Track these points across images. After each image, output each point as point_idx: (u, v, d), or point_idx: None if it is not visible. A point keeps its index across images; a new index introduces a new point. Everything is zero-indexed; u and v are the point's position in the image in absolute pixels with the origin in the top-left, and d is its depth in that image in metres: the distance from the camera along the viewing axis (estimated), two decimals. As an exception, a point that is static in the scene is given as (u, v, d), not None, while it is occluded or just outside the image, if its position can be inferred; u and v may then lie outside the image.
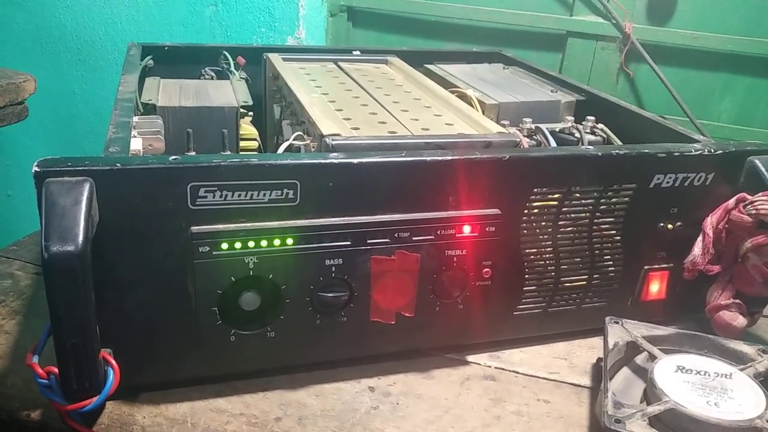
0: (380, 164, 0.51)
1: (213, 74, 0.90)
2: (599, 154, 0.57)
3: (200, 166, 0.46)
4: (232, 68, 0.89)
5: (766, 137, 1.09)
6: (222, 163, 0.47)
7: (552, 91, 0.84)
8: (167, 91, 0.76)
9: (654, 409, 0.49)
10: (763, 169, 0.61)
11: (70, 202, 0.42)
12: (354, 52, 0.96)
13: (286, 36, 1.15)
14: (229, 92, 0.78)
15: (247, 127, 0.74)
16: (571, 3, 1.10)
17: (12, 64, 1.27)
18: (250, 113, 0.77)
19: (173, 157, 0.47)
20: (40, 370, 0.46)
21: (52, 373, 0.45)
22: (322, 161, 0.50)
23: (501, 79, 0.90)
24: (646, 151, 0.58)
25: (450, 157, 0.53)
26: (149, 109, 0.70)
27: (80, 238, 0.41)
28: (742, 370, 0.53)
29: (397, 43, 1.19)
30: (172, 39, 1.20)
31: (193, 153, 0.68)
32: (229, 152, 0.70)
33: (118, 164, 0.45)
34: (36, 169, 0.43)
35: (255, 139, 0.75)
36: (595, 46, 1.10)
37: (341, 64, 0.90)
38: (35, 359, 0.47)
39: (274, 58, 0.87)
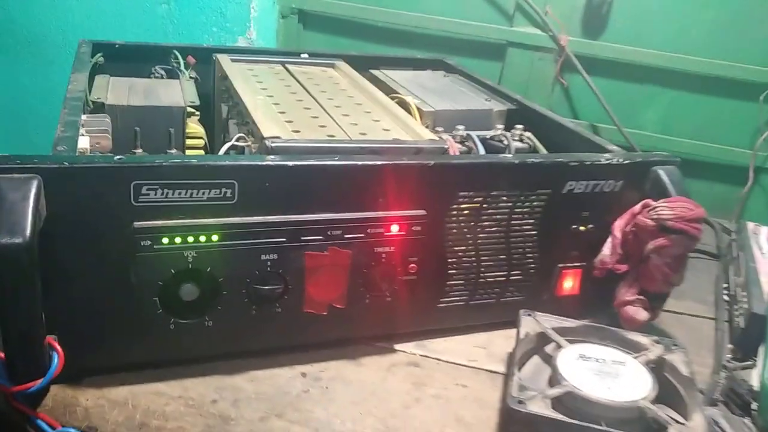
0: (315, 167, 0.55)
1: (163, 73, 0.92)
2: (516, 162, 0.62)
3: (143, 166, 0.50)
4: (182, 67, 0.92)
5: (687, 146, 1.17)
6: (164, 164, 0.50)
7: (486, 100, 0.89)
8: (116, 90, 0.78)
9: (553, 391, 0.54)
10: (665, 179, 0.67)
11: (18, 197, 0.45)
12: (302, 55, 0.99)
13: (237, 36, 1.18)
14: (177, 92, 0.81)
15: (194, 126, 0.77)
16: (511, 14, 1.16)
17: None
18: (198, 113, 0.80)
19: (118, 156, 0.50)
20: (-13, 355, 0.49)
21: (-2, 357, 0.48)
22: (259, 163, 0.54)
23: (440, 87, 0.95)
24: (560, 160, 0.64)
25: (380, 162, 0.57)
26: (98, 107, 0.72)
27: (27, 231, 0.44)
28: (635, 357, 0.60)
29: (346, 47, 1.23)
30: (125, 35, 1.21)
31: (140, 150, 0.71)
32: (175, 150, 0.73)
33: (65, 162, 0.48)
34: (-15, 166, 0.46)
35: (201, 138, 0.78)
36: (532, 57, 1.16)
37: (289, 66, 0.94)
38: (-19, 343, 0.50)
39: (223, 58, 0.90)
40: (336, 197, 0.57)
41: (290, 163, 0.54)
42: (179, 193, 0.51)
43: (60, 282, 0.50)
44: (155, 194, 0.50)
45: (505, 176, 0.62)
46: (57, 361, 0.49)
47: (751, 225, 0.93)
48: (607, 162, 0.66)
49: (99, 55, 0.90)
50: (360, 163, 0.57)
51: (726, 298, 0.82)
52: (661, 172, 0.67)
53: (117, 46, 0.92)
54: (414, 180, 0.59)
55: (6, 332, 0.46)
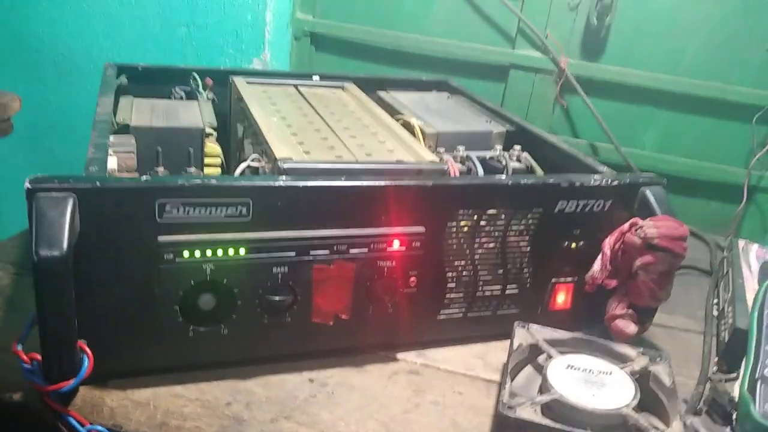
0: (323, 187, 0.60)
1: (183, 93, 0.97)
2: (510, 183, 0.67)
3: (167, 186, 0.55)
4: (201, 89, 0.97)
5: (685, 165, 1.21)
6: (186, 184, 0.55)
7: (487, 121, 0.94)
8: (140, 111, 0.84)
9: (542, 398, 0.58)
10: (651, 199, 0.71)
11: (56, 214, 0.50)
12: (314, 77, 1.05)
13: (253, 58, 1.24)
14: (196, 113, 0.86)
15: (211, 146, 0.82)
16: (513, 38, 1.21)
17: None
18: (215, 132, 0.85)
19: (144, 177, 0.55)
20: (25, 357, 0.53)
21: (35, 359, 0.53)
22: (272, 184, 0.59)
23: (444, 108, 1.00)
24: (551, 181, 0.68)
25: (383, 183, 0.62)
26: (123, 127, 0.77)
27: (64, 244, 0.49)
28: (622, 368, 0.63)
29: (356, 68, 1.28)
30: (146, 55, 1.28)
31: (162, 168, 0.76)
32: (194, 168, 0.78)
33: (97, 182, 0.53)
34: (27, 185, 0.51)
35: (218, 156, 0.83)
36: (534, 78, 1.21)
37: (301, 88, 0.99)
38: (20, 347, 0.55)
39: (239, 81, 0.96)
40: (342, 215, 0.61)
41: (301, 184, 0.59)
42: (199, 211, 0.56)
43: (90, 291, 0.55)
44: (178, 212, 0.55)
45: (499, 196, 0.67)
46: (87, 363, 0.54)
47: (741, 242, 0.96)
48: (597, 183, 0.70)
49: (123, 76, 0.95)
50: (365, 184, 0.61)
51: (715, 313, 0.86)
52: (648, 193, 0.72)
53: (140, 68, 0.97)
54: (414, 199, 0.63)
55: (43, 335, 0.51)
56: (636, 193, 0.72)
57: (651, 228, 0.68)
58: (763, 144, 1.16)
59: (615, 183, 0.71)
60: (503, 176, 0.69)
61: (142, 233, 0.55)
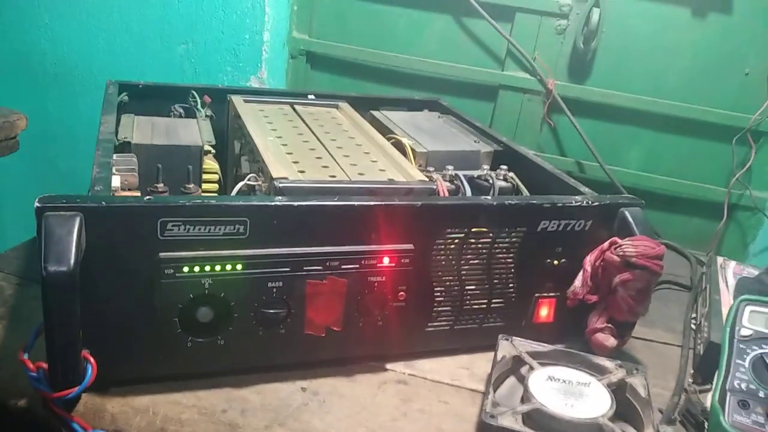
0: (316, 207, 0.63)
1: (182, 111, 1.00)
2: (494, 203, 0.70)
3: (168, 206, 0.58)
4: (199, 106, 1.01)
5: (667, 183, 1.25)
6: (186, 204, 0.58)
7: (475, 141, 0.98)
8: (141, 129, 0.87)
9: (522, 408, 0.62)
10: (630, 219, 0.75)
11: (64, 232, 0.53)
12: (309, 96, 1.08)
13: (250, 75, 1.27)
14: (195, 131, 0.89)
15: (209, 163, 0.86)
16: (502, 59, 1.25)
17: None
18: (213, 149, 0.88)
19: (147, 197, 0.58)
20: (31, 365, 0.56)
21: (41, 367, 0.56)
22: (268, 203, 0.62)
23: (434, 128, 1.03)
24: (534, 202, 0.72)
25: (373, 203, 0.65)
26: (125, 145, 0.81)
27: (72, 260, 0.52)
28: (599, 380, 0.67)
29: (350, 85, 1.32)
30: (145, 72, 1.31)
31: (162, 185, 0.79)
32: (192, 185, 0.82)
33: (102, 202, 0.56)
34: (37, 204, 0.54)
35: (216, 173, 0.87)
36: (522, 98, 1.25)
37: (297, 107, 1.03)
38: (26, 356, 0.57)
39: (237, 99, 0.99)
40: (334, 233, 0.64)
41: (295, 204, 0.62)
42: (199, 229, 0.59)
43: (95, 303, 0.58)
44: (179, 230, 0.58)
45: (484, 216, 0.70)
46: (91, 371, 0.57)
47: (720, 260, 1.00)
48: (578, 204, 0.74)
49: (124, 94, 0.98)
50: (356, 203, 0.65)
51: (693, 326, 0.89)
52: (627, 213, 0.75)
53: (140, 86, 1.01)
54: (404, 218, 0.67)
55: (50, 345, 0.54)
56: (615, 214, 0.75)
57: (629, 247, 0.71)
58: (743, 164, 1.20)
59: (596, 204, 0.74)
60: (489, 197, 0.72)
61: (144, 249, 0.58)
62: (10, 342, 0.69)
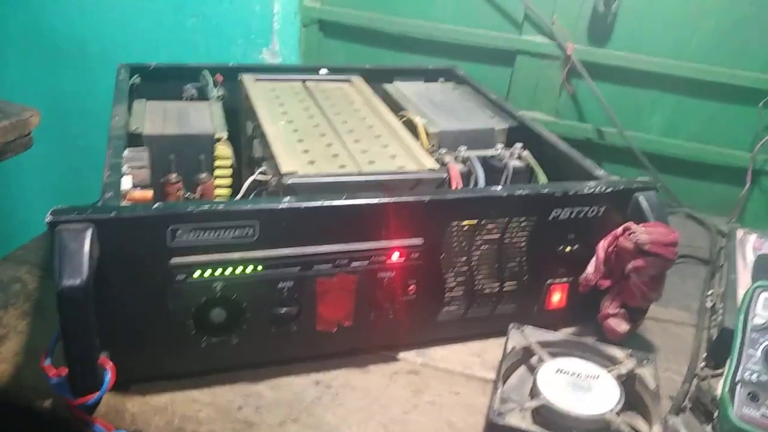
0: (325, 207, 0.63)
1: (194, 91, 1.00)
2: (504, 194, 0.70)
3: (177, 213, 0.59)
4: (211, 85, 1.00)
5: (690, 149, 1.22)
6: (195, 210, 0.59)
7: (490, 117, 0.96)
8: (152, 117, 0.87)
9: (530, 404, 0.63)
10: (644, 205, 0.74)
11: (77, 246, 0.54)
12: (321, 71, 1.07)
13: (262, 48, 1.26)
14: (206, 117, 0.89)
15: (222, 149, 0.85)
16: (520, 24, 1.21)
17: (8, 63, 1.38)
18: (226, 134, 0.87)
19: (155, 206, 0.59)
20: (52, 371, 0.59)
21: (62, 374, 0.58)
22: (277, 206, 0.62)
23: (448, 101, 1.01)
24: (545, 191, 0.71)
25: (382, 201, 0.65)
26: (136, 137, 0.81)
27: (85, 273, 0.53)
28: (609, 371, 0.67)
29: (364, 53, 1.29)
30: (157, 47, 1.30)
31: (175, 175, 0.80)
32: (205, 174, 0.82)
33: (113, 213, 0.57)
34: (49, 218, 0.55)
35: (229, 158, 0.87)
36: (540, 63, 1.21)
37: (308, 84, 1.02)
38: (47, 362, 0.60)
39: (248, 79, 0.98)
40: (343, 231, 0.65)
41: (303, 205, 0.62)
42: (209, 234, 0.60)
43: (111, 308, 0.59)
44: (188, 236, 0.59)
45: (495, 207, 0.69)
46: (109, 377, 0.59)
47: (740, 232, 0.98)
48: (590, 191, 0.72)
49: (136, 76, 0.98)
50: (364, 202, 0.65)
51: (708, 305, 0.88)
52: (641, 199, 0.74)
53: (151, 68, 1.00)
54: (412, 213, 0.66)
55: (68, 354, 0.56)
56: (629, 199, 0.74)
57: (643, 234, 0.70)
58: (768, 128, 1.16)
59: (609, 190, 0.73)
60: (499, 187, 0.71)
61: (155, 257, 0.59)
62: (35, 339, 0.71)
